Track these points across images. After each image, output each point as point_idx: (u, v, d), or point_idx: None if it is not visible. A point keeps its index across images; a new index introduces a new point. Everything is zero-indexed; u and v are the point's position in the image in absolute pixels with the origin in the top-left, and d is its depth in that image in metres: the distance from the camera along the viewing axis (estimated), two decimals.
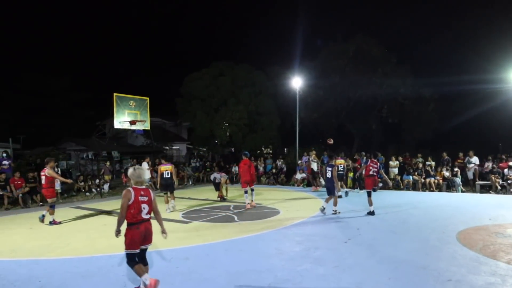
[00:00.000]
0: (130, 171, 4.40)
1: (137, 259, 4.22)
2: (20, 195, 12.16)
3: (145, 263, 4.37)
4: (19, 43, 47.27)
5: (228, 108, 23.52)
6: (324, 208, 9.32)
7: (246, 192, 10.71)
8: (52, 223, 8.87)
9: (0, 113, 29.71)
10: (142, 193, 4.29)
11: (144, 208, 4.26)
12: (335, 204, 9.37)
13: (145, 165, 14.52)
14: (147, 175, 14.27)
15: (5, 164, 13.50)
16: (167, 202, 10.48)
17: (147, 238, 4.31)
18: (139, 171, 4.41)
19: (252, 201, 10.88)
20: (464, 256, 5.61)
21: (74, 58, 53.13)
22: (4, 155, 13.99)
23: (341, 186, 12.61)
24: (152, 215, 4.40)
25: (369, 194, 9.31)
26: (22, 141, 22.37)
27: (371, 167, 9.47)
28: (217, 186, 12.77)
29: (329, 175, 9.36)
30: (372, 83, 22.61)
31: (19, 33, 49.10)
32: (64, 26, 55.08)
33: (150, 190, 4.46)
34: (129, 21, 65.81)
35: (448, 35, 25.17)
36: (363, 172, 10.12)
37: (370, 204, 9.21)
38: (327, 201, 9.43)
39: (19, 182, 12.41)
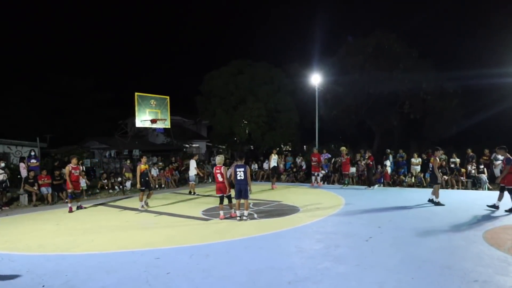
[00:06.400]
0: None
1: None
2: (46, 192, 12.56)
3: None
4: (46, 46, 48.92)
5: (247, 106, 23.57)
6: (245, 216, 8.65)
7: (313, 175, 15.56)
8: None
9: (28, 113, 30.86)
10: None
11: None
12: (246, 208, 8.67)
13: (193, 162, 14.53)
14: (193, 172, 14.32)
15: (33, 162, 13.93)
16: (142, 199, 10.86)
17: None
18: None
19: (313, 182, 15.41)
20: (491, 256, 5.42)
21: (97, 59, 54.58)
22: (33, 153, 14.49)
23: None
24: None
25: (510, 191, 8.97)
26: (48, 140, 23.11)
27: None
28: None
29: (241, 176, 8.43)
30: (393, 79, 22.10)
31: (46, 37, 50.79)
32: (88, 29, 56.51)
33: None
34: (149, 21, 66.85)
35: (473, 26, 24.27)
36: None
37: None
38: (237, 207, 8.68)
39: (46, 179, 12.82)
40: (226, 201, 9.05)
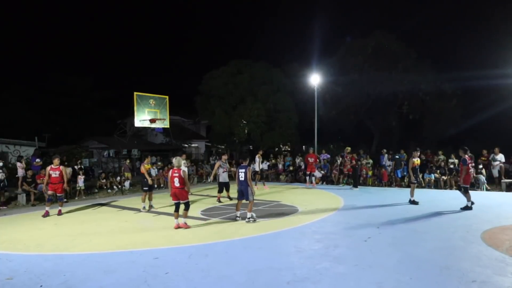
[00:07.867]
0: None
1: None
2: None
3: None
4: (46, 45, 48.88)
5: (246, 106, 23.58)
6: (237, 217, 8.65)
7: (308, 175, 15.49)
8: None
9: (27, 112, 30.79)
10: None
11: None
12: (249, 210, 8.45)
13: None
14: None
15: (38, 162, 13.83)
16: (144, 200, 10.53)
17: None
18: None
19: (312, 182, 15.36)
20: (489, 256, 5.44)
21: (97, 59, 54.53)
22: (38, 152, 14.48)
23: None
24: None
25: (466, 190, 9.45)
26: (47, 139, 23.06)
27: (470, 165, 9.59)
28: None
29: (242, 177, 8.37)
30: (392, 79, 22.17)
31: (45, 36, 50.71)
32: (88, 28, 56.44)
33: None
34: (149, 21, 66.80)
35: (472, 27, 24.35)
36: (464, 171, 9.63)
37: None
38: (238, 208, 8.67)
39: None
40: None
